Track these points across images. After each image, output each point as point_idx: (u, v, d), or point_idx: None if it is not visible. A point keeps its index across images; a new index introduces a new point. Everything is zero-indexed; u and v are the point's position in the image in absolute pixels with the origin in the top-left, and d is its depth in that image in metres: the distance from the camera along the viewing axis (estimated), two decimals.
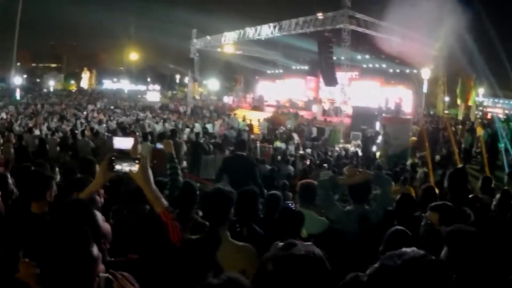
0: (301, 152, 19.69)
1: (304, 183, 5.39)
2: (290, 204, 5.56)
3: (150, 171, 2.85)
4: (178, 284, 2.89)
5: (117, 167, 2.84)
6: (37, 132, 19.77)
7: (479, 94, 39.77)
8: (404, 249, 1.44)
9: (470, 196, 5.19)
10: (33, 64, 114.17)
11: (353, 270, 2.24)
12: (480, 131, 19.31)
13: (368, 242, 3.44)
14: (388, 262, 1.40)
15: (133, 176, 2.84)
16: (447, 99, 34.85)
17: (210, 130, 26.12)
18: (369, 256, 3.30)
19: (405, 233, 3.44)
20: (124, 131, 18.99)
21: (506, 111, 41.27)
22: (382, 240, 3.38)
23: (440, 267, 1.36)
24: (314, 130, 27.00)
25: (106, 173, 2.94)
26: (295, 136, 23.18)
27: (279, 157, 17.25)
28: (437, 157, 16.94)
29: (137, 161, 2.81)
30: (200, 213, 4.49)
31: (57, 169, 7.52)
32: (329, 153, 20.04)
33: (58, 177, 7.01)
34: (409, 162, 17.44)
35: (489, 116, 30.13)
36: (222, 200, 3.16)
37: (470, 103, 29.27)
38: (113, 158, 2.84)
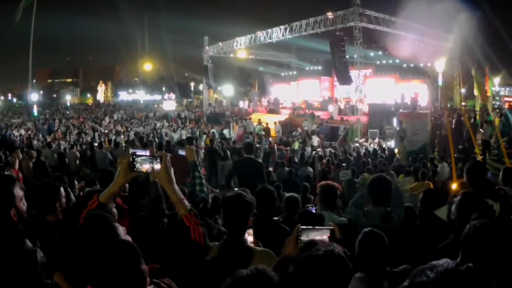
0: (319, 152, 19.56)
1: (324, 185, 5.30)
2: (310, 207, 5.52)
3: (172, 171, 2.76)
4: None
5: (138, 166, 2.72)
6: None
7: (495, 84, 39.23)
8: (434, 261, 1.32)
9: (496, 188, 5.05)
10: (49, 80, 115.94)
11: None
12: (498, 122, 19.09)
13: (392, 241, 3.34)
14: (419, 278, 1.28)
15: (156, 176, 2.75)
16: (463, 91, 34.39)
17: (227, 136, 26.15)
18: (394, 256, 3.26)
19: (378, 235, 3.28)
20: (141, 140, 19.05)
21: None
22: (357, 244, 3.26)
23: (477, 275, 1.26)
24: (329, 129, 26.89)
25: (127, 173, 2.80)
26: (315, 137, 23.04)
27: (296, 159, 17.17)
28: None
29: (159, 160, 2.70)
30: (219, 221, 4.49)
31: (76, 182, 7.56)
32: (349, 152, 19.68)
33: (77, 190, 7.07)
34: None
35: (506, 106, 29.51)
36: (244, 206, 3.09)
37: (488, 93, 28.71)
38: (134, 157, 2.72)
